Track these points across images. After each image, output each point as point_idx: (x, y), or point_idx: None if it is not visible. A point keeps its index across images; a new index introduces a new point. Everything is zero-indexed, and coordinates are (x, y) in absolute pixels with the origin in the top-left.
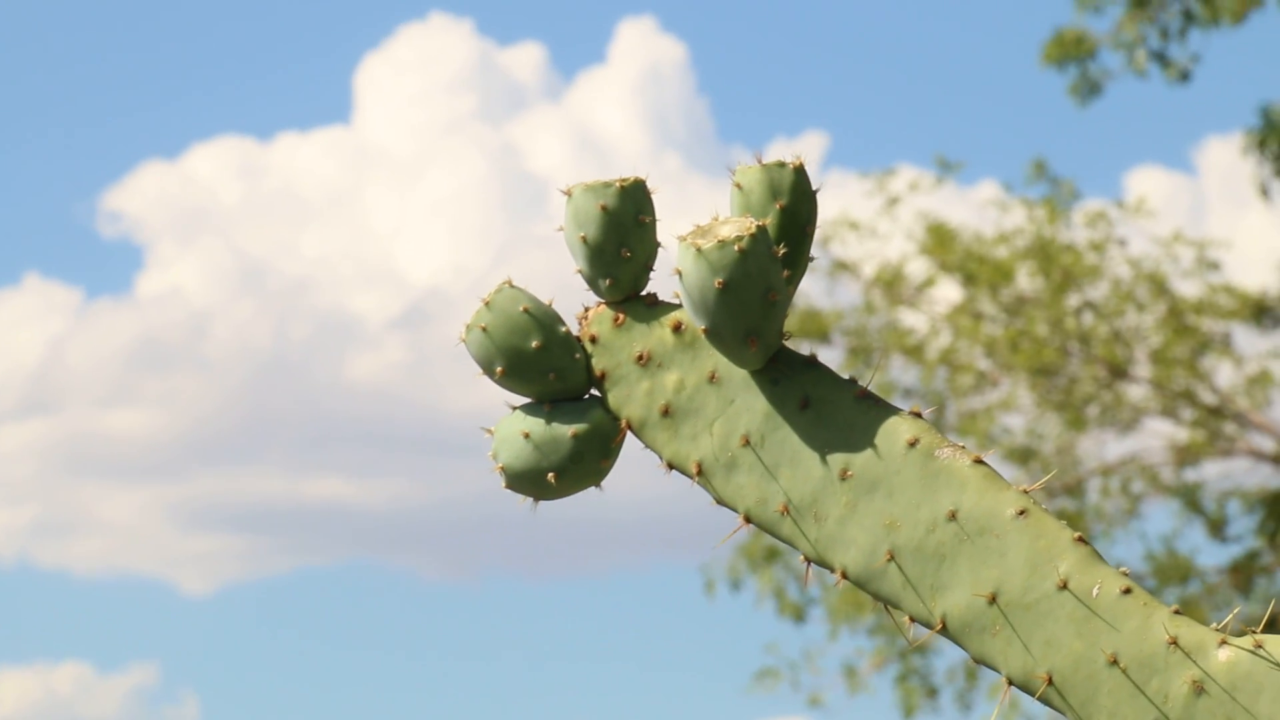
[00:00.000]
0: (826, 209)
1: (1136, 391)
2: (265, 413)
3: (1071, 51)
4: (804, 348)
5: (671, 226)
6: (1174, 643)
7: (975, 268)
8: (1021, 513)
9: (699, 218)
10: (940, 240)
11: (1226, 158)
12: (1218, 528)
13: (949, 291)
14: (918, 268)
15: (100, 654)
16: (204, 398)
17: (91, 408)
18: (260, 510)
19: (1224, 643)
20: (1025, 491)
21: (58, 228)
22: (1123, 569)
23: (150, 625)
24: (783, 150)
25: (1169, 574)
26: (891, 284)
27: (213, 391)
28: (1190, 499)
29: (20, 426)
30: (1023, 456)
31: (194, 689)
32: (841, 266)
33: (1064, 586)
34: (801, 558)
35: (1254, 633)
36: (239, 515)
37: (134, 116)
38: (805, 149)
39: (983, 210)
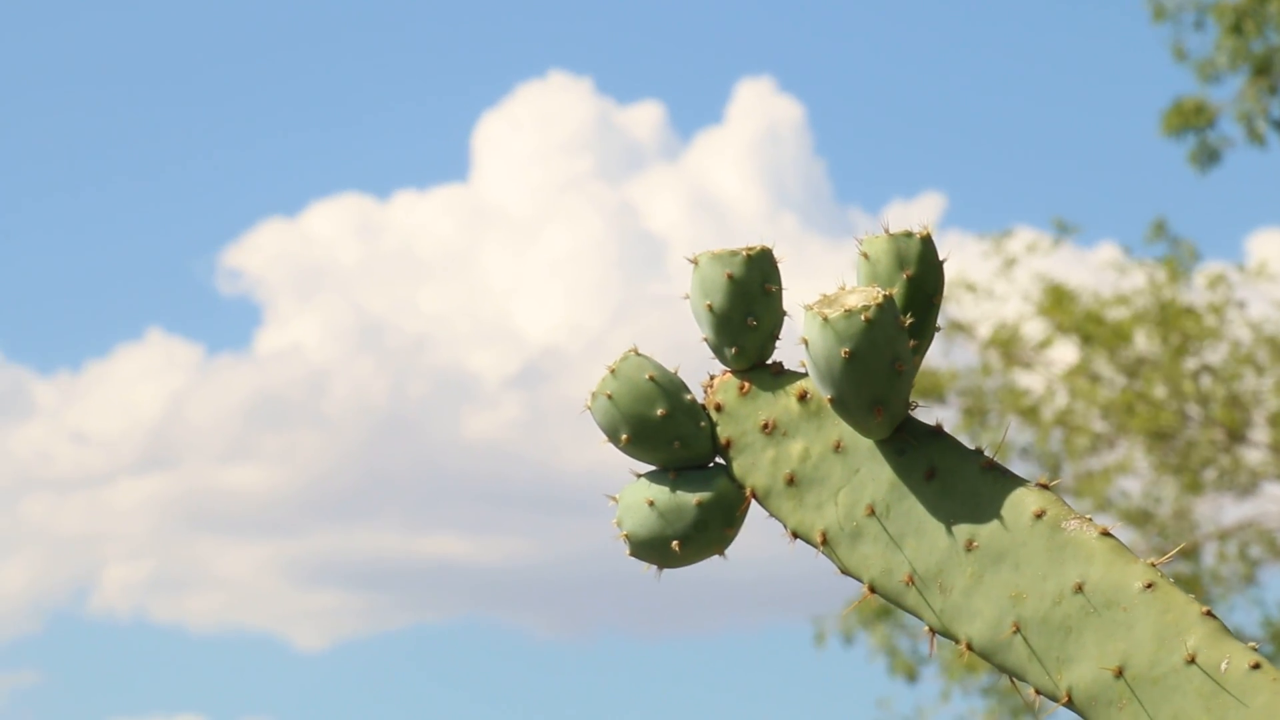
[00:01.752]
0: (945, 269)
1: (1254, 455)
2: (382, 470)
3: (1191, 120)
4: (921, 409)
5: (789, 288)
6: None
7: (1093, 329)
8: (1149, 586)
9: (816, 279)
10: (1057, 301)
11: None
12: None
13: (1065, 353)
14: (1034, 328)
15: (215, 709)
16: (321, 454)
17: (210, 463)
18: (376, 567)
19: None
20: (1152, 564)
21: (179, 284)
22: (1251, 644)
23: (264, 681)
24: (900, 213)
25: None
26: (1008, 345)
27: (330, 448)
28: None
29: (140, 481)
30: (1139, 519)
31: None
32: (957, 327)
33: (1192, 661)
34: (925, 629)
35: None
36: (355, 572)
37: (254, 174)
38: (922, 210)
39: (1101, 273)
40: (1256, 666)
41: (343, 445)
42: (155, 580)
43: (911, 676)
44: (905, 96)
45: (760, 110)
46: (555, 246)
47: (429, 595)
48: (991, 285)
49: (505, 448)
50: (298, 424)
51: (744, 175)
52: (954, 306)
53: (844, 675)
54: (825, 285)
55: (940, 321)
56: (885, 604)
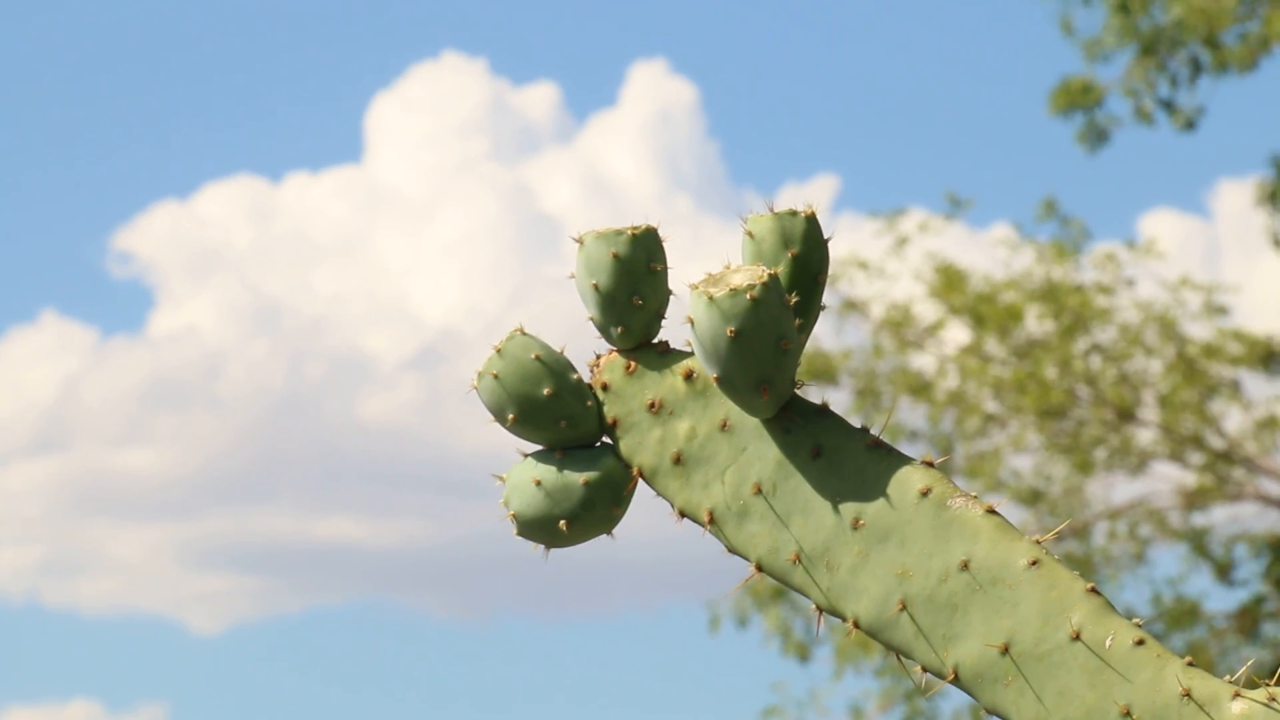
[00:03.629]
0: (836, 249)
1: (1145, 435)
2: (277, 452)
3: (1079, 100)
4: (811, 389)
5: (682, 268)
6: (1188, 695)
7: (984, 309)
8: (1034, 563)
9: (710, 260)
10: (949, 282)
11: (1240, 202)
12: (1225, 572)
13: (957, 333)
14: (926, 309)
15: (109, 693)
16: (216, 437)
17: (103, 446)
18: (271, 550)
19: (1237, 695)
20: (1038, 541)
21: (71, 267)
22: (1136, 620)
23: (159, 665)
24: (794, 194)
25: (1176, 619)
26: (900, 325)
27: (225, 430)
28: (1198, 543)
29: (31, 465)
30: (1030, 499)
31: None
32: (850, 306)
33: (1077, 637)
34: (813, 606)
35: (1267, 684)
36: (249, 555)
37: (146, 157)
38: (816, 191)
39: (993, 251)
40: (1140, 643)
41: (238, 427)
42: (48, 564)
43: (804, 657)
44: (798, 78)
45: (654, 92)
46: (451, 228)
47: (325, 578)
48: (884, 264)
49: (402, 430)
50: (192, 406)
51: (638, 157)
52: (846, 285)
53: (740, 655)
54: (716, 266)
55: (833, 300)
56: (780, 585)
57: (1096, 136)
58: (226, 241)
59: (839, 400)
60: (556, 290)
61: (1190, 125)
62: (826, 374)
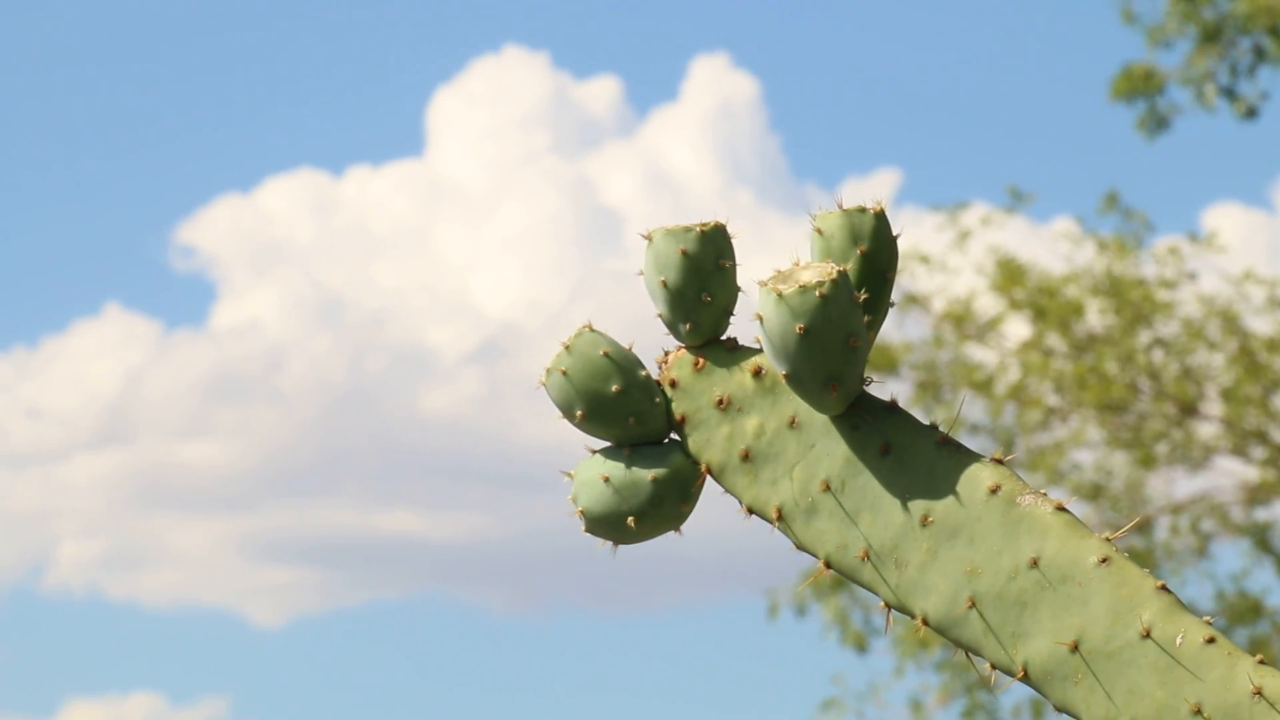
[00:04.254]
0: (899, 243)
1: (1207, 429)
2: (338, 446)
3: (1140, 86)
4: (875, 384)
5: (745, 263)
6: (1259, 693)
7: (1045, 303)
8: (1104, 560)
9: (771, 255)
10: (1010, 275)
11: None
12: None
13: (1018, 327)
14: (987, 303)
15: (171, 686)
16: (278, 430)
17: (166, 439)
18: (332, 543)
19: None
20: (1107, 539)
21: (135, 260)
22: (1206, 618)
23: (221, 658)
24: (856, 188)
25: (1239, 613)
26: (961, 319)
27: (286, 424)
28: (1260, 538)
29: (95, 457)
30: (1092, 493)
31: None
32: (912, 300)
33: (1147, 635)
34: (881, 604)
35: None
36: (311, 548)
37: (209, 150)
38: (878, 186)
39: (1055, 245)
40: (1211, 640)
41: (300, 421)
42: (110, 557)
43: (862, 647)
44: (859, 71)
45: (715, 86)
46: (512, 222)
47: (385, 571)
48: (945, 258)
49: (463, 423)
50: (254, 400)
51: (700, 151)
52: (908, 279)
53: (799, 650)
54: (781, 261)
55: (895, 295)
56: (839, 577)
57: (1157, 124)
58: (288, 235)
59: (900, 392)
60: (618, 284)
61: (1252, 114)
62: (888, 366)
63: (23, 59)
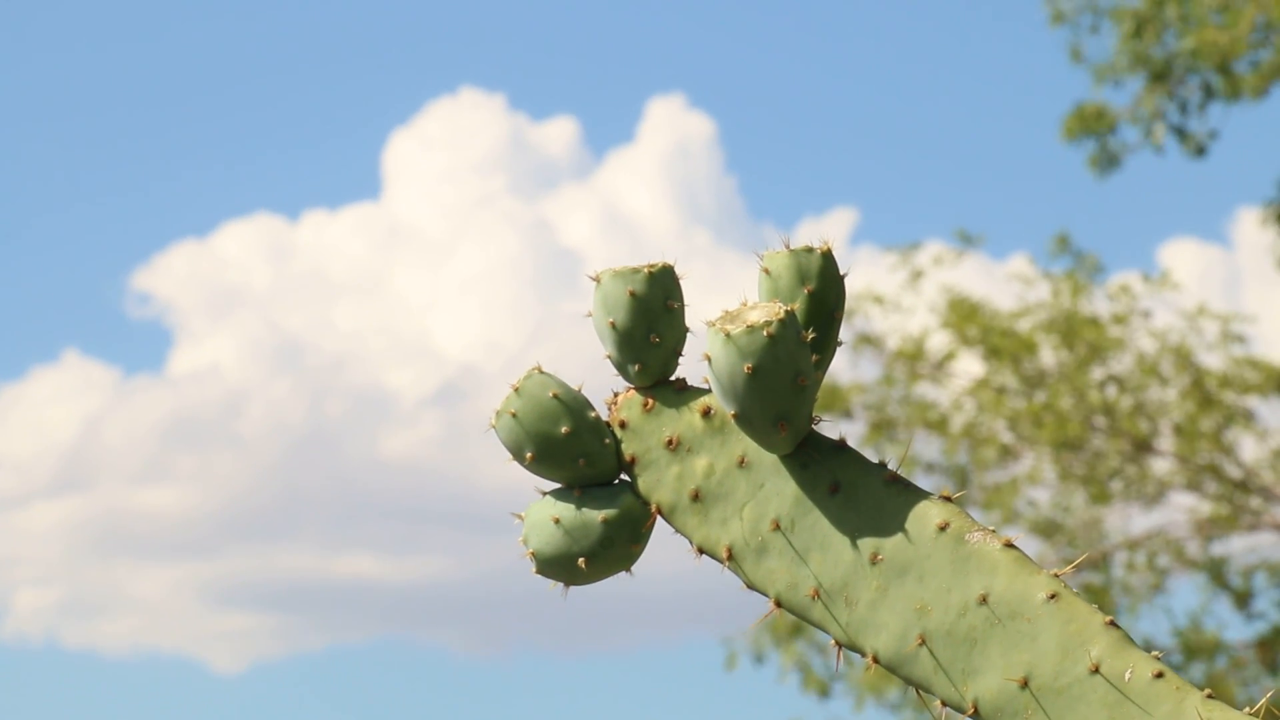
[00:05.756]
0: (852, 283)
1: (1161, 465)
2: (298, 490)
3: (1091, 125)
4: (826, 423)
5: (701, 302)
6: None
7: (998, 341)
8: (1053, 596)
9: (729, 294)
10: (962, 314)
11: (1259, 230)
12: (1244, 602)
13: (971, 365)
14: (940, 341)
15: None
16: (237, 475)
17: (125, 485)
18: (292, 588)
19: None
20: (1056, 575)
21: (92, 307)
22: (1155, 653)
23: (180, 704)
24: (812, 228)
25: (1195, 649)
26: (914, 358)
27: (245, 469)
28: (1216, 573)
29: (52, 504)
30: (1047, 530)
31: None
32: (865, 340)
33: (1096, 670)
34: (832, 641)
35: None
36: (270, 593)
37: (162, 196)
38: (834, 225)
39: (1009, 284)
40: (1160, 675)
41: (258, 465)
42: (68, 604)
43: (824, 693)
44: (814, 111)
45: (671, 126)
46: (470, 264)
47: (346, 615)
48: (899, 298)
49: (423, 466)
50: (213, 445)
51: (657, 192)
52: (862, 320)
53: (759, 690)
54: (735, 301)
55: (848, 335)
56: (798, 622)
57: (1109, 162)
58: (245, 280)
59: (853, 433)
60: (577, 326)
61: (1201, 151)
62: (840, 407)
63: None
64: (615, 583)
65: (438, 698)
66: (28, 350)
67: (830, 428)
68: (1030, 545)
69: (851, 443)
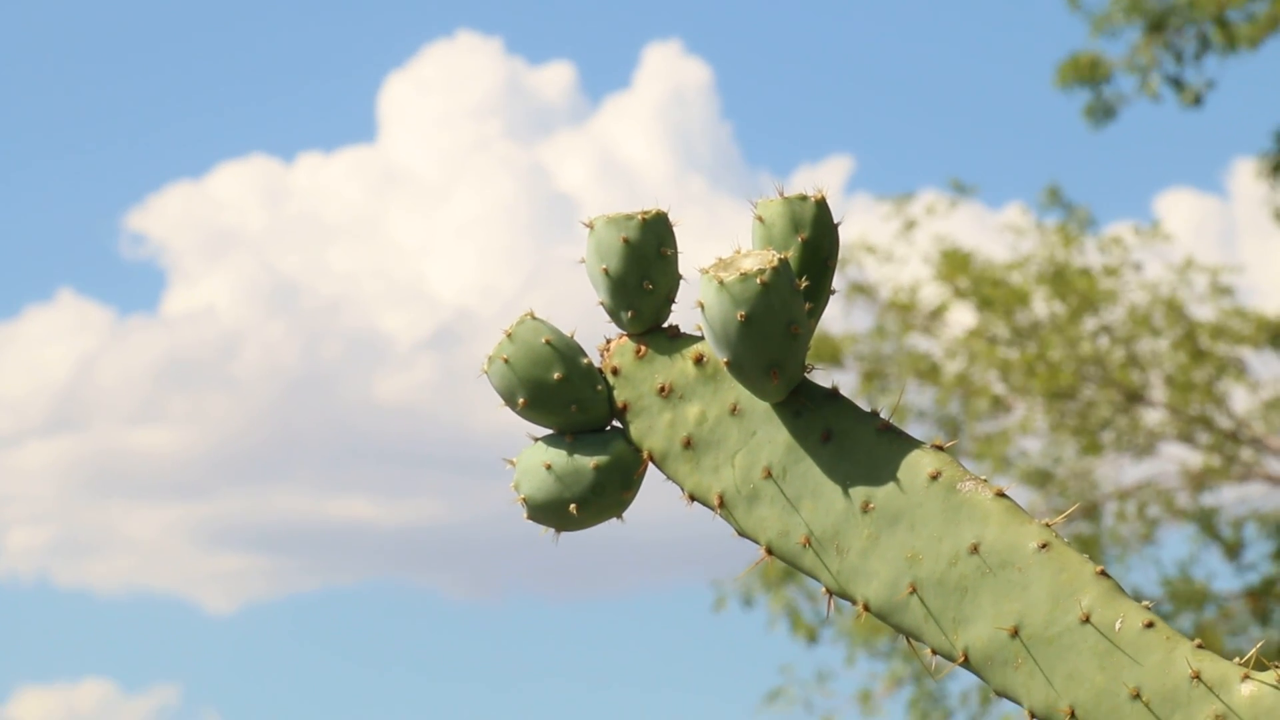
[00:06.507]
0: (846, 232)
1: (1152, 416)
2: (292, 432)
3: (1086, 75)
4: (819, 372)
5: (696, 249)
6: (1197, 677)
7: (990, 292)
8: (1044, 546)
9: (724, 241)
10: (955, 264)
11: (1254, 182)
12: (1234, 553)
13: (964, 316)
14: (932, 292)
15: (122, 673)
16: (231, 416)
17: (118, 426)
18: (285, 529)
19: (1247, 677)
20: (1047, 524)
21: (87, 247)
22: (1145, 603)
23: (172, 645)
24: (808, 176)
25: (1185, 599)
26: (906, 308)
27: (239, 410)
28: (1206, 524)
29: (46, 444)
30: (1039, 480)
31: (216, 709)
32: (858, 290)
33: (1086, 620)
34: (823, 589)
35: (1277, 666)
36: (263, 534)
37: (157, 137)
38: (829, 173)
39: (1002, 235)
40: (1150, 625)
41: (253, 407)
42: (61, 543)
43: (812, 639)
44: (811, 57)
45: (668, 73)
46: (466, 209)
47: (339, 557)
48: (892, 248)
49: (417, 409)
50: (207, 386)
51: (652, 138)
52: (855, 269)
53: (748, 636)
54: (730, 248)
55: (841, 285)
56: (788, 568)
57: (1104, 112)
58: (240, 222)
59: (846, 383)
60: (572, 271)
61: (1198, 101)
62: (833, 357)
63: None
64: (606, 528)
65: (430, 640)
66: (23, 289)
67: (822, 377)
68: (1021, 495)
69: (843, 393)
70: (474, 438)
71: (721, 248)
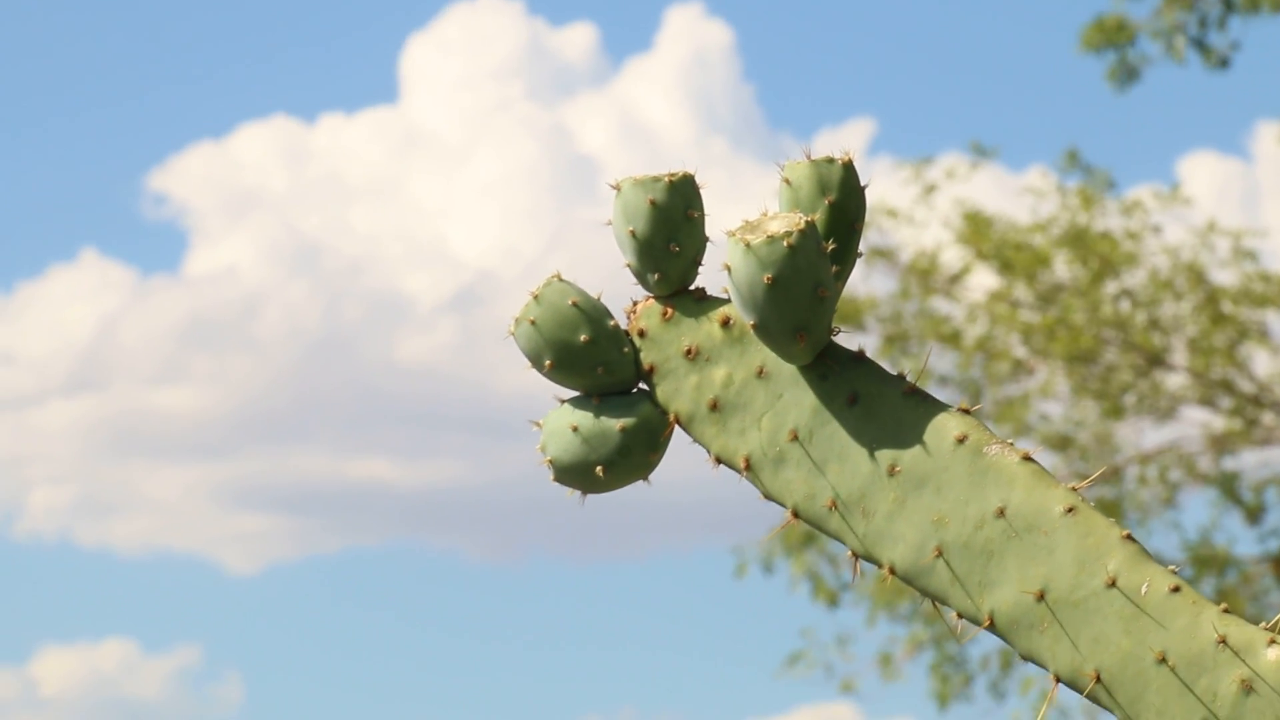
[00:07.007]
0: (868, 195)
1: (1174, 380)
2: (314, 393)
3: (1111, 37)
4: (841, 335)
5: (718, 211)
6: (1223, 641)
7: (1011, 255)
8: (1070, 510)
9: (746, 203)
10: (976, 228)
11: (1278, 145)
12: (1255, 516)
13: (985, 279)
14: (954, 256)
15: (144, 633)
16: (253, 377)
17: (140, 386)
18: (307, 490)
19: (1273, 641)
20: (1073, 489)
21: (108, 207)
22: (1171, 567)
23: (194, 605)
24: (830, 139)
25: (1206, 563)
26: (928, 272)
27: (261, 371)
28: (1228, 488)
29: (68, 403)
30: (1060, 444)
31: (238, 669)
32: (879, 254)
33: (1112, 584)
34: (849, 552)
35: None
36: (285, 495)
37: (178, 97)
38: (851, 136)
39: (1023, 198)
40: (1176, 590)
41: (275, 368)
42: (83, 503)
43: (834, 603)
44: (833, 19)
45: (690, 35)
46: (488, 170)
47: (361, 518)
48: (912, 211)
49: (439, 371)
50: (229, 347)
51: (674, 100)
52: (875, 233)
53: (770, 599)
54: (756, 209)
55: (863, 248)
56: (810, 531)
57: (1128, 75)
58: (262, 182)
59: (867, 345)
60: (594, 233)
61: (1224, 64)
62: (854, 319)
63: None
64: (628, 490)
65: (451, 602)
66: (47, 249)
67: (844, 340)
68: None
69: (867, 356)
70: (495, 399)
71: (744, 210)
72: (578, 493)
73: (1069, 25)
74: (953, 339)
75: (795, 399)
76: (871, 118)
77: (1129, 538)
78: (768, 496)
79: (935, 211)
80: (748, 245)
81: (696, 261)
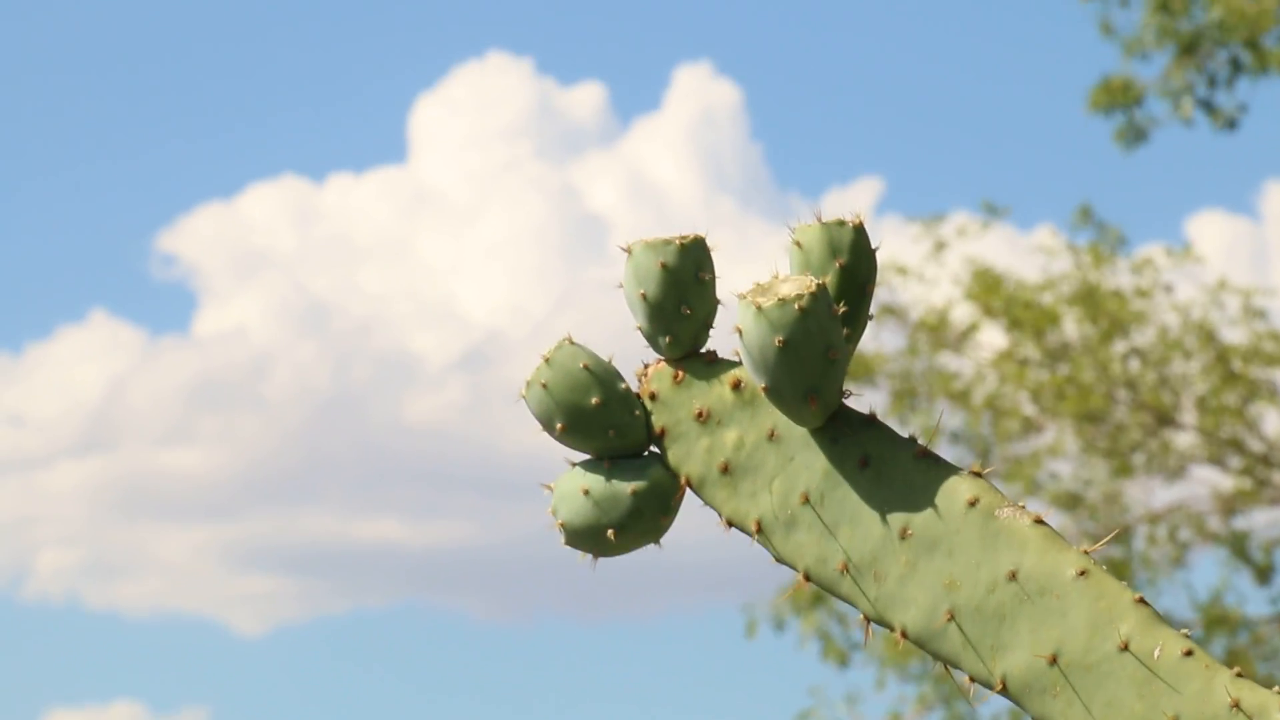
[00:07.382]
0: (878, 256)
1: (1183, 439)
2: (322, 453)
3: (1118, 98)
4: (852, 395)
5: (726, 271)
6: (1236, 705)
7: (1020, 313)
8: (1082, 573)
9: (753, 263)
10: (985, 285)
11: None
12: (1265, 577)
13: (994, 337)
14: (963, 313)
15: (152, 695)
16: (261, 437)
17: (149, 446)
18: (315, 551)
19: None
20: (1085, 551)
21: (117, 267)
22: (1184, 630)
23: (202, 667)
24: (838, 197)
25: (1217, 624)
26: (937, 329)
27: (270, 431)
28: (1238, 548)
29: (77, 464)
30: (1069, 503)
31: None
32: (888, 311)
33: (1125, 648)
34: (861, 616)
35: None
36: (293, 556)
37: (187, 157)
38: (859, 195)
39: (1033, 256)
40: (1189, 653)
41: (283, 428)
42: (91, 565)
43: (843, 662)
44: (841, 79)
45: (698, 94)
46: (496, 230)
47: (368, 579)
48: (922, 269)
49: (447, 431)
50: (238, 407)
51: (682, 159)
52: (885, 290)
53: (780, 659)
54: (763, 270)
55: (872, 307)
56: (819, 591)
57: (1135, 136)
58: (271, 243)
59: (876, 402)
60: (602, 292)
61: (1232, 125)
62: (864, 376)
63: (5, 68)
64: (638, 552)
65: (459, 663)
66: (56, 310)
67: (855, 399)
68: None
69: (874, 412)
70: (504, 459)
71: (752, 269)
72: (589, 556)
73: (1077, 86)
74: (961, 396)
75: (806, 462)
76: (879, 177)
77: (1141, 601)
78: (779, 560)
79: (945, 269)
80: (759, 308)
81: (707, 324)
